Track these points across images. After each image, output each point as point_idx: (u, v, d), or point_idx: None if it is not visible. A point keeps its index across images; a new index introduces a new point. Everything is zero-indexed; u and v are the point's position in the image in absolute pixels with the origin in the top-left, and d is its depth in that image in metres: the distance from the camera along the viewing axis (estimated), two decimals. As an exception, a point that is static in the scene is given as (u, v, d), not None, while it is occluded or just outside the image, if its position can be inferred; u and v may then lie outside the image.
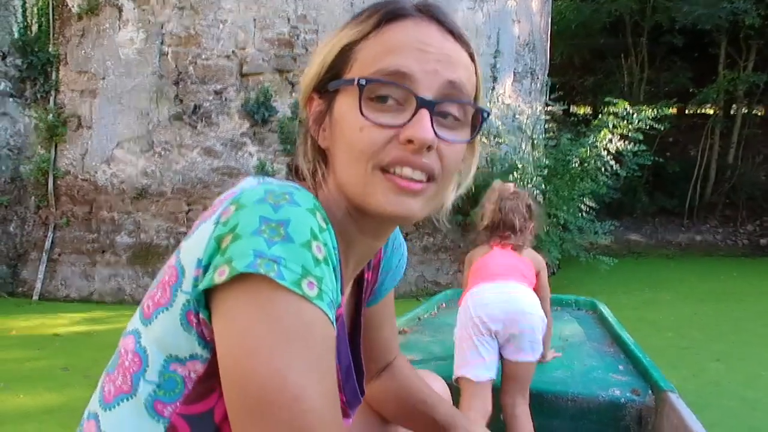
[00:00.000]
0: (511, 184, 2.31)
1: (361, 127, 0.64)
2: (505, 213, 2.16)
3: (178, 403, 0.62)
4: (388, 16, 0.67)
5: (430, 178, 0.66)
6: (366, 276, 0.86)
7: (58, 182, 6.38)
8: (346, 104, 0.66)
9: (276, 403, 0.54)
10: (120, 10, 6.13)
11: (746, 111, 12.56)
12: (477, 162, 0.76)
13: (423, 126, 0.63)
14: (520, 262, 2.14)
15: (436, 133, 0.64)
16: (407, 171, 0.64)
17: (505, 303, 1.96)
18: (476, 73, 0.71)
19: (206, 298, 0.59)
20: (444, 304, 3.14)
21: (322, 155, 0.71)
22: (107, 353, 0.70)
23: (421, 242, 6.71)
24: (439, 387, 1.10)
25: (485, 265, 2.12)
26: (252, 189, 0.60)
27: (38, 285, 6.15)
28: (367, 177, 0.65)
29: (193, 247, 0.61)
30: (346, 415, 0.81)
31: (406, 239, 7.26)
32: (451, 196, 0.74)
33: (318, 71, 0.70)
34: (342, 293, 0.67)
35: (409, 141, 0.63)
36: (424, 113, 0.64)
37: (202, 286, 0.58)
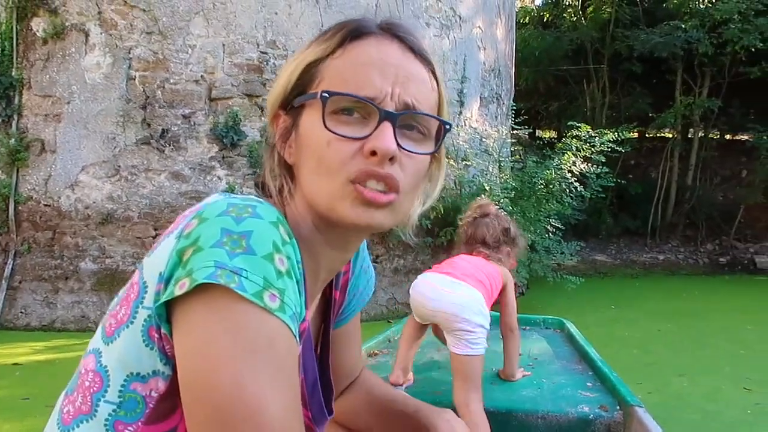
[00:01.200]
0: (494, 206, 2.32)
1: (328, 141, 0.65)
2: (476, 227, 2.20)
3: (139, 423, 0.61)
4: (352, 34, 0.68)
5: (394, 189, 0.66)
6: (334, 295, 0.86)
7: (20, 208, 6.22)
8: (310, 119, 0.67)
9: (236, 415, 0.53)
10: (87, 35, 6.08)
11: (703, 134, 13.06)
12: (443, 177, 0.77)
13: (385, 137, 0.64)
14: (486, 266, 2.15)
15: (399, 145, 0.65)
16: (372, 183, 0.65)
17: (434, 301, 1.97)
18: (438, 89, 0.71)
19: (167, 313, 0.58)
20: None
21: (289, 171, 0.71)
22: (70, 382, 0.69)
23: (391, 264, 6.72)
24: None
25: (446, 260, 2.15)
26: (215, 203, 0.60)
27: (-3, 314, 5.95)
28: (336, 191, 0.65)
29: (155, 262, 0.60)
30: (309, 430, 0.79)
31: (376, 261, 7.24)
32: (418, 209, 0.75)
33: (284, 88, 0.71)
34: (307, 308, 0.66)
35: (372, 153, 0.64)
36: (387, 125, 0.64)
37: (162, 299, 0.57)
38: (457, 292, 2.00)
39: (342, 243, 0.73)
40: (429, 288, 2.00)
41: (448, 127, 0.71)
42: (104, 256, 6.08)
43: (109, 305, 0.68)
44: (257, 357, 0.55)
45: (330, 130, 0.64)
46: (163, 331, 0.59)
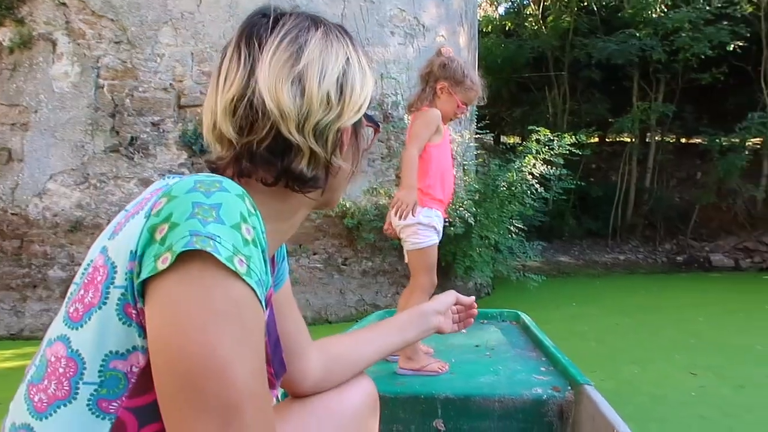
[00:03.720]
0: (451, 50, 2.24)
1: None
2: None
3: (123, 398, 0.63)
4: None
5: None
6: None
7: (-14, 217, 6.18)
8: None
9: (204, 375, 0.55)
10: (54, 44, 6.09)
11: (659, 138, 13.54)
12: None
13: None
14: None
15: None
16: None
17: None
18: None
19: (143, 288, 0.60)
20: None
21: None
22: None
23: (360, 266, 6.87)
24: (366, 385, 1.08)
25: None
26: (182, 181, 0.63)
27: (-37, 324, 5.88)
28: None
29: (123, 243, 0.62)
30: (272, 385, 0.83)
31: (345, 264, 7.26)
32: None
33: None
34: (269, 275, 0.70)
35: None
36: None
37: (144, 275, 0.58)
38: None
39: (290, 215, 0.83)
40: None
41: None
42: (73, 263, 6.07)
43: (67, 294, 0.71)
44: (226, 320, 0.57)
45: None
46: (140, 306, 0.61)
